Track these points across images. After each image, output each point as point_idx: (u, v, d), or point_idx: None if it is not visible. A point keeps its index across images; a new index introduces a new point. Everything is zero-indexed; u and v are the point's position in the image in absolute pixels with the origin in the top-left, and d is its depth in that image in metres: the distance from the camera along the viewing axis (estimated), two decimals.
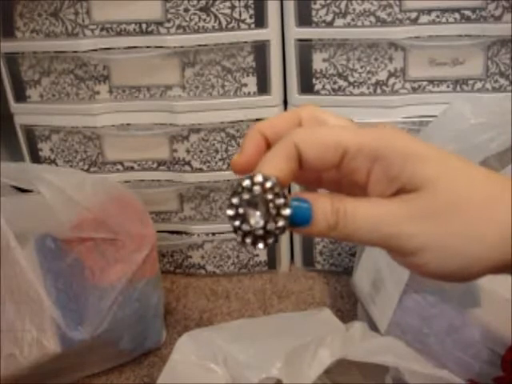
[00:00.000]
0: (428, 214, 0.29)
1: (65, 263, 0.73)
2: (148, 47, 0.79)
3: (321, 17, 0.76)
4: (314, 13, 0.76)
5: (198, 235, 0.92)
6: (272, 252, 0.93)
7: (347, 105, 0.81)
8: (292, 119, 0.33)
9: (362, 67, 0.79)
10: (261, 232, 0.29)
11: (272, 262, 0.94)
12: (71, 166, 0.88)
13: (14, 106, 0.85)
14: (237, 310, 0.88)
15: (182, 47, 0.79)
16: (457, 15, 0.75)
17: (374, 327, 0.68)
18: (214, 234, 0.92)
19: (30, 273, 0.68)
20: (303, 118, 0.33)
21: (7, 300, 0.68)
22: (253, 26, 0.78)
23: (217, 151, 0.86)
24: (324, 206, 0.30)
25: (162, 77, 0.82)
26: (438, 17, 0.75)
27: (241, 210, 0.29)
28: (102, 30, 0.79)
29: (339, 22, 0.76)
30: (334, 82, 0.80)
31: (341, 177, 0.33)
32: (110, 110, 0.84)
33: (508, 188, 0.30)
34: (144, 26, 0.78)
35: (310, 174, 0.34)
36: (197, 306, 0.89)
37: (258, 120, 0.81)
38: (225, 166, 0.86)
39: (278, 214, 0.29)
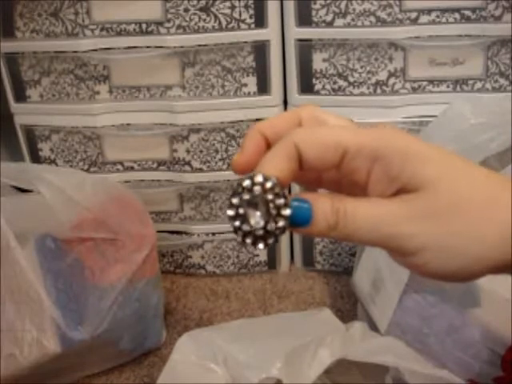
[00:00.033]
0: (428, 214, 0.29)
1: (65, 263, 0.73)
2: (148, 47, 0.79)
3: (321, 17, 0.76)
4: (314, 13, 0.76)
5: (198, 235, 0.92)
6: (272, 252, 0.93)
7: (347, 105, 0.81)
8: (292, 119, 0.33)
9: (362, 67, 0.79)
10: (261, 232, 0.29)
11: (272, 262, 0.94)
12: (71, 165, 0.88)
13: (14, 106, 0.85)
14: (237, 310, 0.88)
15: (182, 47, 0.79)
16: (457, 15, 0.75)
17: (374, 327, 0.68)
18: (214, 234, 0.92)
19: (30, 273, 0.68)
20: (303, 118, 0.33)
21: (7, 300, 0.68)
22: (253, 25, 0.78)
23: (217, 151, 0.86)
24: (324, 206, 0.30)
25: (162, 77, 0.82)
26: (438, 17, 0.75)
27: (241, 211, 0.29)
28: (102, 30, 0.79)
29: (339, 22, 0.76)
30: (334, 82, 0.80)
31: (341, 177, 0.33)
32: (110, 110, 0.84)
33: (508, 188, 0.30)
34: (144, 26, 0.78)
35: (310, 174, 0.34)
36: (197, 305, 0.89)
37: (258, 120, 0.81)
38: (225, 166, 0.86)
39: (279, 215, 0.29)
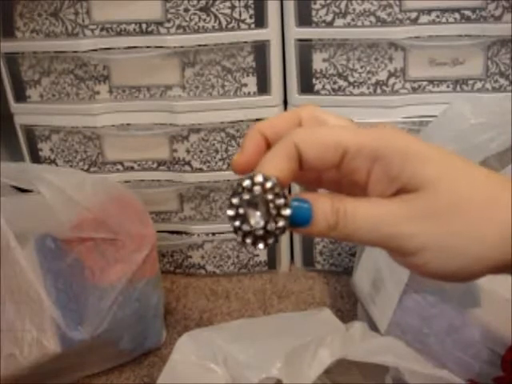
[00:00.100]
0: (428, 215, 0.29)
1: (65, 263, 0.73)
2: (148, 47, 0.79)
3: (321, 17, 0.76)
4: (314, 13, 0.76)
5: (198, 235, 0.92)
6: (272, 252, 0.93)
7: (347, 105, 0.81)
8: (292, 119, 0.33)
9: (361, 67, 0.79)
10: (261, 232, 0.29)
11: (272, 262, 0.94)
12: (71, 166, 0.88)
13: (14, 106, 0.85)
14: (237, 310, 0.88)
15: (182, 47, 0.79)
16: (457, 15, 0.75)
17: (374, 327, 0.68)
18: (214, 234, 0.92)
19: (30, 273, 0.68)
20: (303, 118, 0.33)
21: (7, 300, 0.68)
22: (253, 25, 0.78)
23: (217, 151, 0.86)
24: (324, 206, 0.30)
25: (162, 77, 0.82)
26: (438, 17, 0.75)
27: (241, 211, 0.29)
28: (102, 30, 0.79)
29: (339, 22, 0.76)
30: (334, 82, 0.80)
31: (341, 177, 0.33)
32: (110, 110, 0.84)
33: (508, 188, 0.30)
34: (144, 25, 0.78)
35: (310, 174, 0.34)
36: (197, 305, 0.89)
37: (258, 120, 0.81)
38: (225, 166, 0.86)
39: (279, 215, 0.29)
